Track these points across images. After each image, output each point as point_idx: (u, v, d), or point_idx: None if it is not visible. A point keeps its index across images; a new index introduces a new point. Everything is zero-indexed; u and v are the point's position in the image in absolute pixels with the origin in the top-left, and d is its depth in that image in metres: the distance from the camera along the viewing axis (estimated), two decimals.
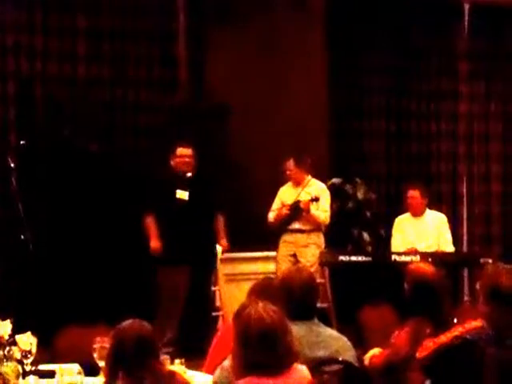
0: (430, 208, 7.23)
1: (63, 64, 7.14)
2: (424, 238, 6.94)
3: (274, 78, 7.70)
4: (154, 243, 6.38)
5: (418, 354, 3.70)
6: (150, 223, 6.41)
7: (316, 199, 6.78)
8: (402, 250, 6.86)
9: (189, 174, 6.53)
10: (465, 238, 8.77)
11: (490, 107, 8.99)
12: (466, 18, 8.79)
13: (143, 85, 7.46)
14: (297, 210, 6.82)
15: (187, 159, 6.49)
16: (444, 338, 3.66)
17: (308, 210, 6.76)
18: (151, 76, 7.49)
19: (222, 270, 7.17)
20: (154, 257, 6.39)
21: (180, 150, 6.50)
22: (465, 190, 8.88)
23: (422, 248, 6.84)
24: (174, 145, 6.58)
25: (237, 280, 7.13)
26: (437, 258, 6.56)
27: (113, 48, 7.34)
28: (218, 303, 7.08)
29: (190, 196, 6.48)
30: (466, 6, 8.76)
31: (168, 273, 6.30)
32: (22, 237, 5.51)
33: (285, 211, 6.86)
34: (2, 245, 6.74)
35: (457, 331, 3.66)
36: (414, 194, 6.96)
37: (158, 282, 6.36)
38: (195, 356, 4.26)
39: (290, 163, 6.91)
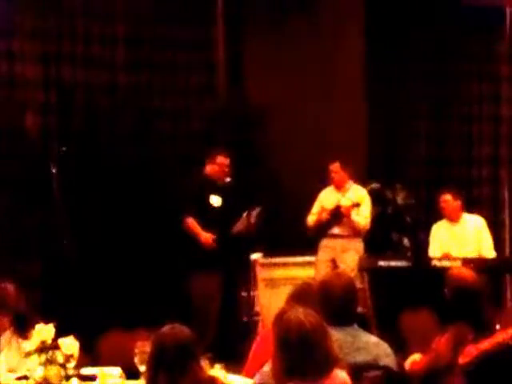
0: (471, 212, 7.14)
1: (103, 72, 7.23)
2: (463, 244, 6.83)
3: (312, 83, 7.70)
4: (204, 237, 6.38)
5: (460, 360, 3.66)
6: (192, 223, 6.43)
7: (357, 205, 6.75)
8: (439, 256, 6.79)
9: (228, 180, 6.56)
10: (507, 243, 8.65)
11: None
12: (508, 22, 8.69)
13: (182, 92, 7.52)
14: (337, 215, 6.79)
15: (226, 169, 6.54)
16: (486, 344, 3.62)
17: (349, 216, 6.74)
18: (190, 83, 7.54)
19: (261, 274, 7.18)
20: (189, 263, 6.41)
21: (220, 159, 6.53)
22: (507, 195, 8.76)
23: (460, 254, 6.74)
24: (212, 151, 6.61)
25: (276, 285, 7.13)
26: (478, 263, 6.48)
27: (151, 56, 7.42)
28: (256, 308, 7.09)
29: (223, 202, 6.50)
30: (508, 11, 8.67)
31: (201, 279, 6.32)
32: (65, 242, 5.58)
33: (325, 216, 6.84)
34: (44, 250, 6.85)
35: (499, 337, 3.62)
36: (445, 198, 6.86)
37: (193, 288, 6.38)
38: (235, 360, 4.27)
39: (336, 165, 6.89)
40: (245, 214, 6.43)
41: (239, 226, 6.48)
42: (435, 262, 6.65)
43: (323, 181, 7.02)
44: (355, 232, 6.85)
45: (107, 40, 7.24)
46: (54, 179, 5.87)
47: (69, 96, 7.14)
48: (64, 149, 6.74)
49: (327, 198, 6.97)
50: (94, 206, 6.77)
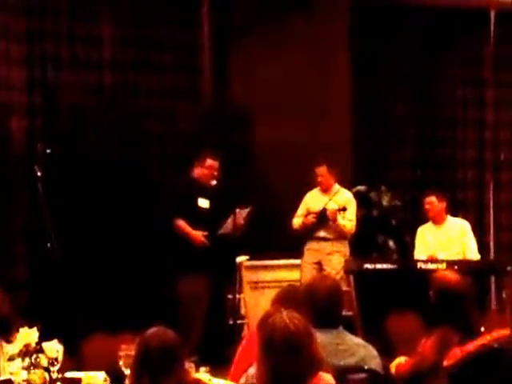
0: (457, 215, 7.16)
1: (89, 72, 7.20)
2: (447, 247, 6.86)
3: (297, 85, 7.71)
4: (195, 235, 6.36)
5: (445, 363, 3.67)
6: (182, 223, 6.41)
7: (343, 209, 6.75)
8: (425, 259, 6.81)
9: (214, 182, 6.54)
10: (491, 245, 8.70)
11: None
12: (493, 24, 8.73)
13: (168, 93, 7.50)
14: (323, 219, 6.79)
15: (215, 172, 6.52)
16: (471, 346, 3.63)
17: (335, 220, 6.74)
18: (176, 84, 7.53)
19: (247, 277, 7.18)
20: (176, 265, 6.39)
21: (210, 162, 6.52)
22: (491, 198, 8.80)
23: (445, 256, 6.77)
24: (201, 154, 6.59)
25: (261, 288, 7.13)
26: (463, 265, 6.51)
27: (138, 57, 7.40)
28: (242, 311, 7.08)
29: (210, 204, 6.48)
30: (492, 13, 8.71)
31: (189, 281, 6.30)
32: (49, 245, 5.55)
33: (311, 219, 6.84)
34: (28, 253, 6.81)
35: (484, 340, 3.63)
36: (430, 200, 6.90)
37: (179, 291, 6.36)
38: (220, 364, 4.26)
39: (323, 169, 6.89)
40: (232, 216, 6.41)
41: (226, 228, 6.46)
42: (421, 265, 6.68)
43: (309, 184, 7.02)
44: (341, 235, 6.86)
45: (92, 41, 7.22)
46: (40, 181, 5.84)
47: (54, 97, 7.11)
48: (49, 151, 6.71)
49: (313, 200, 6.97)
50: (80, 207, 6.74)
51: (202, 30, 7.66)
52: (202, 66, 7.67)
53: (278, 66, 7.69)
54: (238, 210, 6.42)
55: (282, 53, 7.71)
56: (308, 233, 6.89)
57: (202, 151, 6.65)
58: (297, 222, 6.93)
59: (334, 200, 6.87)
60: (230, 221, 6.44)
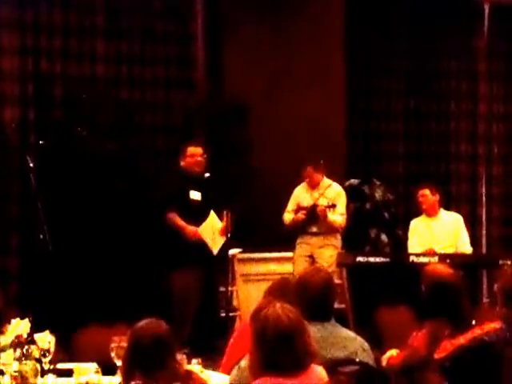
0: (449, 208, 7.17)
1: (82, 64, 7.18)
2: (440, 239, 6.88)
3: (291, 78, 7.71)
4: (190, 230, 6.32)
5: (436, 355, 3.69)
6: (175, 217, 6.37)
7: (333, 206, 6.73)
8: (418, 252, 6.82)
9: (207, 175, 6.50)
10: (483, 239, 8.73)
11: (510, 108, 8.93)
12: (487, 18, 8.74)
13: (161, 85, 7.49)
14: (313, 215, 6.78)
15: (199, 158, 6.40)
16: (462, 339, 3.65)
17: (325, 217, 6.72)
18: (169, 76, 7.51)
19: (239, 270, 7.18)
20: (168, 258, 6.38)
21: (191, 150, 6.42)
22: (484, 191, 8.83)
23: (438, 249, 6.79)
24: (183, 145, 6.54)
25: (254, 280, 7.13)
26: (455, 259, 6.52)
27: (131, 48, 7.38)
28: (235, 303, 7.09)
29: (202, 197, 6.45)
30: (487, 7, 8.72)
31: (181, 274, 6.28)
32: (41, 236, 5.55)
33: (301, 216, 6.82)
34: (21, 244, 6.80)
35: (475, 333, 3.65)
36: (423, 193, 6.93)
37: (172, 283, 6.35)
38: (212, 356, 4.27)
39: (309, 170, 6.87)
40: (224, 217, 6.33)
41: (226, 233, 6.37)
42: (413, 258, 6.69)
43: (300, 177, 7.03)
44: (332, 229, 6.85)
45: (86, 32, 7.19)
46: (32, 172, 5.83)
47: (47, 88, 7.08)
48: (42, 142, 6.69)
49: (302, 195, 6.94)
50: (72, 199, 6.72)
51: (195, 21, 7.64)
52: (196, 57, 7.65)
53: (271, 58, 7.68)
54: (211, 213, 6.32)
55: (276, 45, 7.69)
56: (299, 228, 6.88)
57: (184, 144, 6.57)
58: (287, 217, 6.91)
59: (324, 195, 6.84)
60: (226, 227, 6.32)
